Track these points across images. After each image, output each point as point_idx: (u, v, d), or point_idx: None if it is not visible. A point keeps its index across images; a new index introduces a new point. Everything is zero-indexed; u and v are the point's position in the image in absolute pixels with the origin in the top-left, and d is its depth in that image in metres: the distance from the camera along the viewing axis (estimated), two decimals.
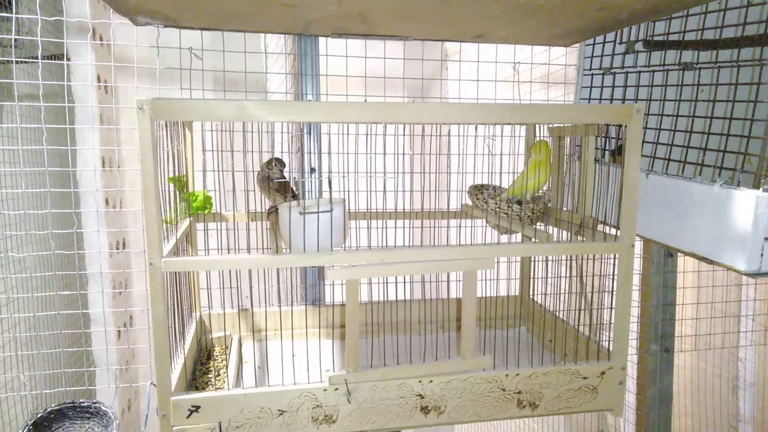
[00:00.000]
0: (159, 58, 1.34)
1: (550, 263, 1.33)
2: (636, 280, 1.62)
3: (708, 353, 2.21)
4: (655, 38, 1.26)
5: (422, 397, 1.04)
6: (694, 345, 1.93)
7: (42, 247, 1.51)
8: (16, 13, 1.41)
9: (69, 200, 1.51)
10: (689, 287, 1.88)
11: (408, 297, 1.49)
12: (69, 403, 1.19)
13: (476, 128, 1.28)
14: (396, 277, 1.17)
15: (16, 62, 1.51)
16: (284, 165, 1.31)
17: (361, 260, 0.98)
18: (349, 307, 0.99)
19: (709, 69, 1.11)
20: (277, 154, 1.39)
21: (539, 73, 1.73)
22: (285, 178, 1.29)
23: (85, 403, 1.19)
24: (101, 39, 1.66)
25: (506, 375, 1.07)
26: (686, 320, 1.90)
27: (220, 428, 0.96)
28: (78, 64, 1.58)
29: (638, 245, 1.59)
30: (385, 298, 1.25)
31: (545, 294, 1.36)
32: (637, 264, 1.60)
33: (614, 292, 1.10)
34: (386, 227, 1.39)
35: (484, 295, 1.46)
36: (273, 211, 1.30)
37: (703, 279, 1.94)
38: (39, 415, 1.15)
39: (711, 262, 1.04)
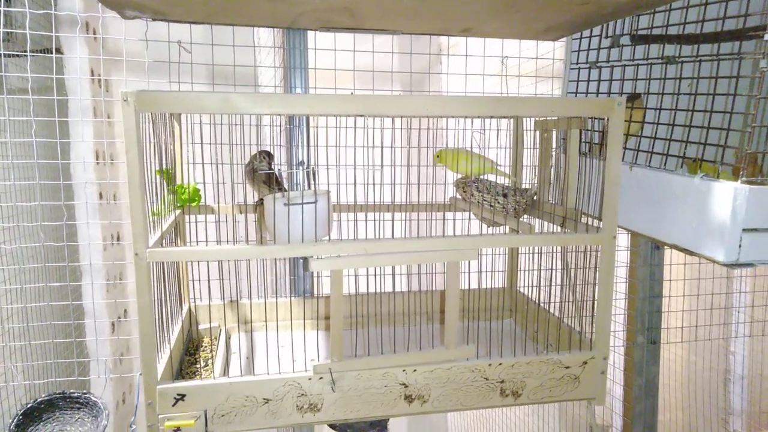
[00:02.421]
0: (148, 52, 1.35)
1: (536, 255, 1.34)
2: (623, 272, 1.64)
3: (699, 346, 2.23)
4: (640, 32, 1.27)
5: (406, 386, 1.06)
6: (683, 337, 1.95)
7: (35, 239, 1.52)
8: (11, 7, 1.42)
9: (62, 193, 1.52)
10: (680, 279, 1.89)
11: (396, 288, 1.51)
12: (59, 393, 1.20)
13: (464, 121, 1.29)
14: (383, 269, 1.18)
15: (8, 56, 1.52)
16: (272, 158, 1.33)
17: (345, 251, 1.00)
18: (333, 297, 1.01)
19: (690, 63, 1.13)
20: (266, 147, 1.40)
21: (529, 67, 1.74)
22: (272, 170, 1.30)
23: (75, 394, 1.21)
24: (94, 33, 1.67)
25: (489, 364, 1.08)
26: (676, 312, 1.91)
27: (206, 416, 0.98)
28: (70, 58, 1.59)
29: (626, 238, 1.61)
30: (374, 290, 1.26)
31: (532, 285, 1.38)
32: (625, 256, 1.62)
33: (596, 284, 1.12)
34: (375, 219, 1.40)
35: (470, 287, 1.47)
36: (260, 203, 1.31)
37: (695, 271, 1.95)
38: (29, 405, 1.16)
39: (692, 253, 1.06)
